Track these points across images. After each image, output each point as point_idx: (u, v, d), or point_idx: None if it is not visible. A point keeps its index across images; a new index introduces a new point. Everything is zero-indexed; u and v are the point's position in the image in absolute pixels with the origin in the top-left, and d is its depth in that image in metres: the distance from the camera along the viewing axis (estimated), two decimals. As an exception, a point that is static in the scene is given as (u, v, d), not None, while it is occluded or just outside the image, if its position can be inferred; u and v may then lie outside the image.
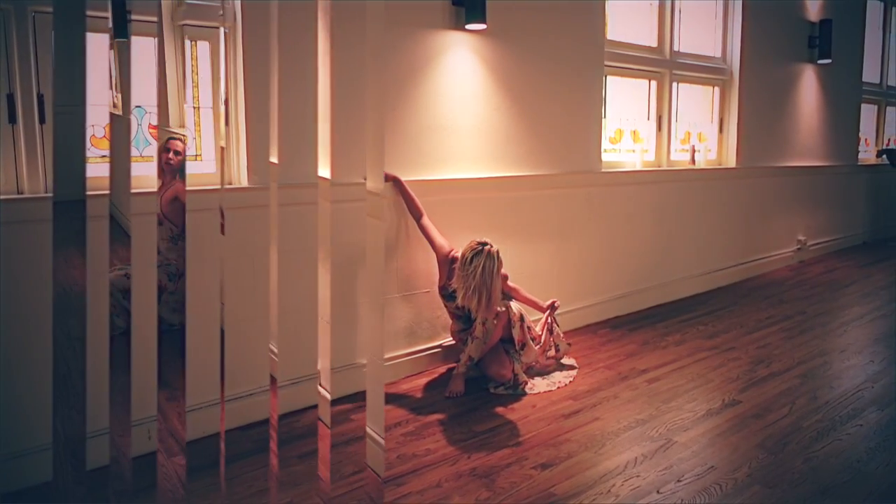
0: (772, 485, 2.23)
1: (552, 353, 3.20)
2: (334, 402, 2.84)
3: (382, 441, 2.21)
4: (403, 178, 3.02)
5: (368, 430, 2.26)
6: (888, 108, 7.17)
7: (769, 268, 5.57)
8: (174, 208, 3.74)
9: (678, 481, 2.24)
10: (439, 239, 3.03)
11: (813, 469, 2.34)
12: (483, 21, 3.11)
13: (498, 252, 2.90)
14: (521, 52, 3.47)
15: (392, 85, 2.99)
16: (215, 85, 3.59)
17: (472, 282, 2.84)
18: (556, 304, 3.24)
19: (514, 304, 3.04)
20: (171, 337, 3.70)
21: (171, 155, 3.73)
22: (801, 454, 2.44)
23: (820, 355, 3.52)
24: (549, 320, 3.20)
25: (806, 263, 5.89)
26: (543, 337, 3.16)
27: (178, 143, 3.79)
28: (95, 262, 2.20)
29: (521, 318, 3.01)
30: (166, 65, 4.98)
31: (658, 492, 2.17)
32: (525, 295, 3.22)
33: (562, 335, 3.25)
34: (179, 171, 3.77)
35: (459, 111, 3.26)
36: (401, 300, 3.10)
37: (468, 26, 3.14)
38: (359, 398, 2.87)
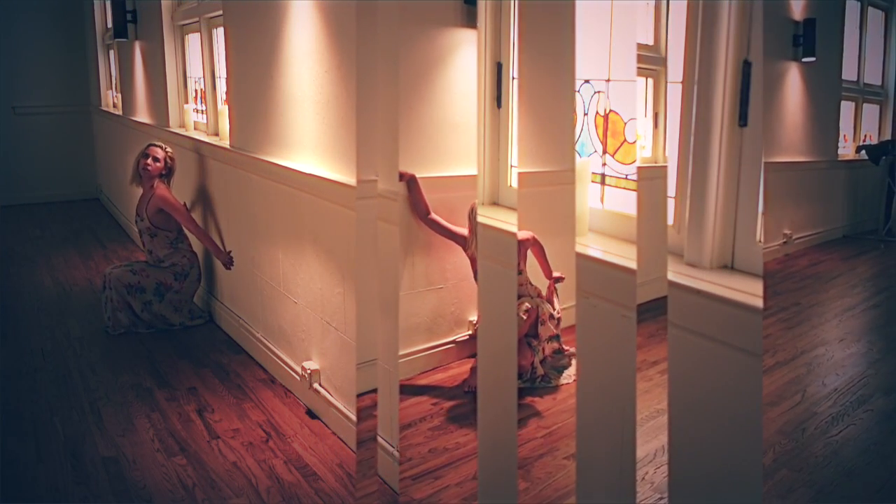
0: (798, 468, 2.31)
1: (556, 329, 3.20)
2: (358, 397, 2.85)
3: (397, 453, 2.23)
4: (419, 175, 3.04)
5: (380, 440, 2.28)
6: (865, 105, 7.38)
7: (758, 261, 5.70)
8: (162, 218, 3.72)
9: (708, 467, 2.30)
10: (459, 229, 3.07)
11: (834, 452, 2.42)
12: (498, 19, 3.15)
13: None
14: (530, 50, 3.51)
15: (407, 83, 3.01)
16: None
17: (475, 224, 2.95)
18: (562, 277, 3.24)
19: (545, 305, 3.09)
20: (171, 336, 3.68)
21: (149, 161, 3.71)
22: (821, 439, 2.53)
23: (821, 344, 3.63)
24: (552, 288, 3.22)
25: (792, 257, 6.04)
26: (557, 305, 3.17)
27: (158, 150, 3.78)
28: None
29: (551, 316, 3.06)
30: (166, 65, 4.92)
31: (692, 478, 2.22)
32: (546, 260, 3.26)
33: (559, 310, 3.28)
34: (160, 176, 3.74)
35: (472, 109, 3.29)
36: (416, 296, 3.13)
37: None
38: (382, 394, 2.89)
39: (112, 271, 3.69)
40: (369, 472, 2.25)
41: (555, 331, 3.14)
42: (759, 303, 1.46)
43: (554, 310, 3.22)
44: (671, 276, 1.66)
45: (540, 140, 3.43)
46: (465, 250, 3.11)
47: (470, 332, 3.33)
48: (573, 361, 3.32)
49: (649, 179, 3.73)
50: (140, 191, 3.88)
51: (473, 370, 3.00)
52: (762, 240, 1.64)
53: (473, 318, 3.35)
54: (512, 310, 2.05)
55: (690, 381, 1.66)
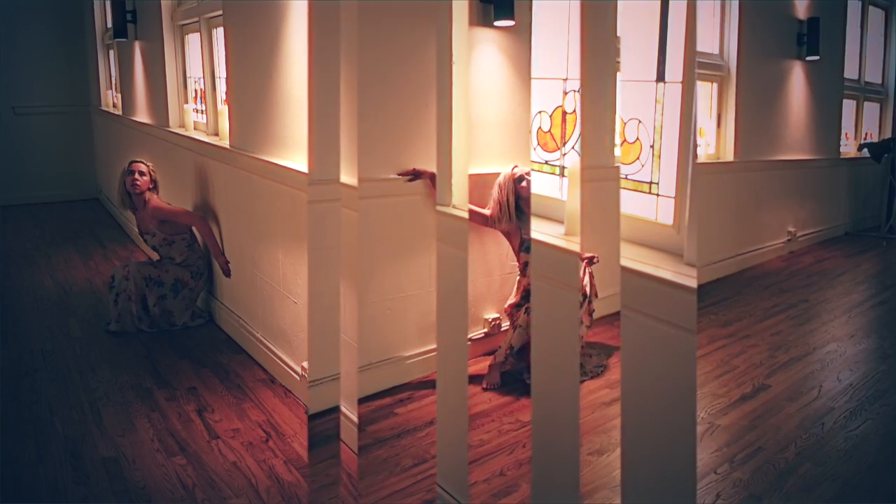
0: (821, 462, 2.29)
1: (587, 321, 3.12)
2: (373, 397, 2.83)
3: (356, 418, 2.21)
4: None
5: (343, 408, 2.25)
6: (866, 103, 7.40)
7: (762, 258, 5.69)
8: (169, 226, 3.70)
9: (731, 462, 2.28)
10: (482, 210, 3.07)
11: (855, 446, 2.41)
12: (511, 17, 3.12)
13: (515, 172, 3.05)
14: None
15: (425, 81, 2.98)
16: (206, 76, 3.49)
17: (495, 197, 3.05)
18: (595, 259, 3.13)
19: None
20: (171, 336, 3.65)
21: (136, 177, 3.70)
22: (841, 433, 2.51)
23: (833, 340, 3.62)
24: (586, 271, 3.14)
25: (796, 254, 6.04)
26: (588, 285, 3.10)
27: (141, 164, 3.77)
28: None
29: (588, 302, 3.05)
30: (166, 65, 4.88)
31: (716, 472, 2.21)
32: None
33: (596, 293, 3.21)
34: (149, 189, 3.72)
35: (486, 107, 3.27)
36: (432, 295, 3.09)
37: (496, 23, 3.14)
38: (399, 391, 2.88)
39: (132, 263, 3.72)
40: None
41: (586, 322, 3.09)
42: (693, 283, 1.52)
43: (586, 298, 3.08)
44: (662, 273, 1.69)
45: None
46: (495, 227, 3.11)
47: (485, 329, 3.30)
48: (599, 362, 3.22)
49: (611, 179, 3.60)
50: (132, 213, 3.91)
51: (491, 368, 2.97)
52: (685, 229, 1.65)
53: (489, 315, 3.32)
54: (463, 293, 2.01)
55: (647, 367, 1.68)
